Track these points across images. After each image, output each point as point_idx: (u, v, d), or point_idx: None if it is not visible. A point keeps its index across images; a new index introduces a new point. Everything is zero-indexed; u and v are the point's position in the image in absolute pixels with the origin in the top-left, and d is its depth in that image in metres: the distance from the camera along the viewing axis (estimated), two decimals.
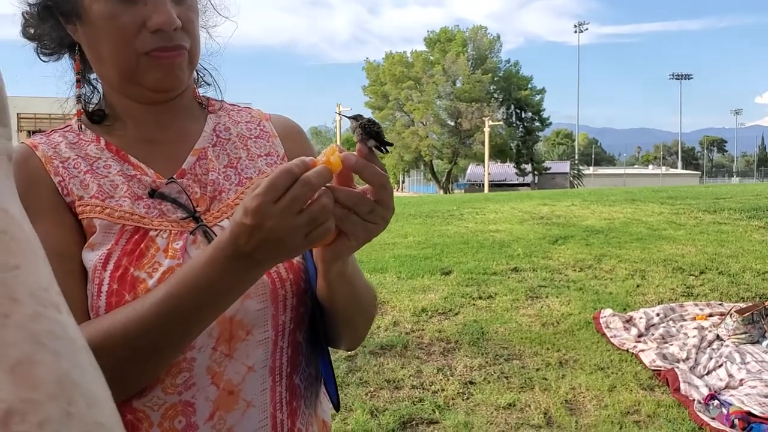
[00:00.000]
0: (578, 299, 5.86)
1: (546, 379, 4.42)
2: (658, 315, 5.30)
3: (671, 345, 4.82)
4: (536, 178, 57.57)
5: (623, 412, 4.13)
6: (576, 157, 78.81)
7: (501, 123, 51.76)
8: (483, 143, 48.60)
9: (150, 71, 0.96)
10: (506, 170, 58.20)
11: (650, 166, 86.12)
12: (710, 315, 5.31)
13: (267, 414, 0.96)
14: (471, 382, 4.36)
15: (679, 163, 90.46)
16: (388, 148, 0.90)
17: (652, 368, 4.52)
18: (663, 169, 74.67)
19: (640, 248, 7.32)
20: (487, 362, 4.67)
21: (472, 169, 59.79)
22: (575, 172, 62.03)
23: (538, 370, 4.57)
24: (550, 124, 60.57)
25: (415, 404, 4.00)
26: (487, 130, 47.90)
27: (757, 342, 4.87)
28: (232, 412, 0.92)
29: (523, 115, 55.53)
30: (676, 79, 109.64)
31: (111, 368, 0.47)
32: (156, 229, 0.95)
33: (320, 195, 0.78)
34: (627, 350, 4.83)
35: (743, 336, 4.85)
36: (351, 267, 0.95)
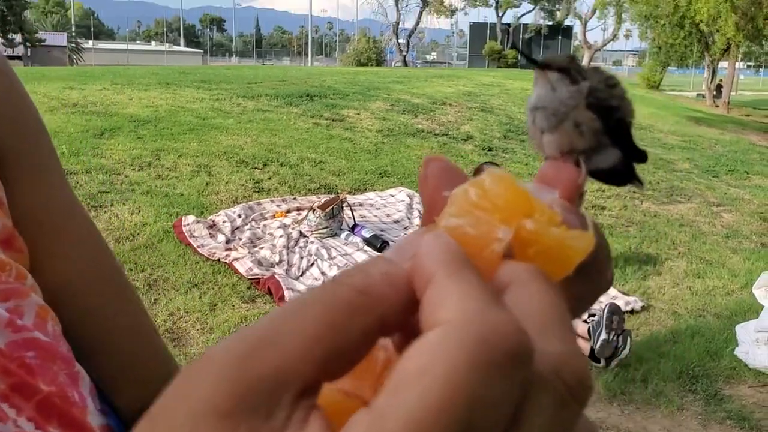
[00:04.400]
0: (149, 205, 5.18)
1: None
2: (240, 216, 5.04)
3: (262, 248, 4.63)
4: (29, 50, 51.05)
5: (232, 333, 3.80)
6: (73, 29, 72.30)
7: None
8: None
9: None
10: None
11: (153, 43, 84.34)
12: (288, 211, 5.28)
13: None
14: None
15: (182, 41, 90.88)
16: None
17: (250, 277, 4.27)
18: (167, 46, 74.02)
19: (196, 140, 6.89)
20: None
21: None
22: (73, 45, 57.12)
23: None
24: None
25: None
26: None
27: (336, 234, 5.04)
28: None
29: None
30: None
31: None
32: None
33: None
34: (219, 260, 4.46)
35: (325, 230, 4.95)
36: None
